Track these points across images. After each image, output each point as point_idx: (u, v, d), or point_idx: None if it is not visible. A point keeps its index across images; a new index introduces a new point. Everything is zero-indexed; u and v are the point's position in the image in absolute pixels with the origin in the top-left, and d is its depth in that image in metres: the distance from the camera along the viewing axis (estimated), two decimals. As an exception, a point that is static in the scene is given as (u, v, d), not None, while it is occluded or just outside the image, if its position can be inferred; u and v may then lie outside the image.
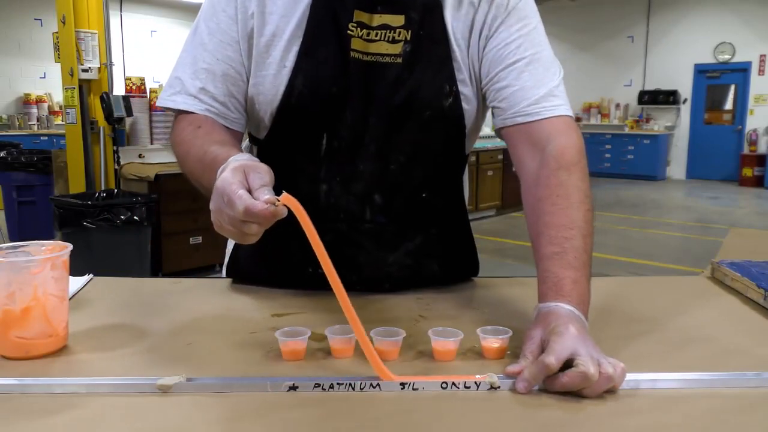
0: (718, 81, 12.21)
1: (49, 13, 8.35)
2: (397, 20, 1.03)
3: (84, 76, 4.58)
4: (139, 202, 4.05)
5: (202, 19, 1.06)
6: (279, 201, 0.73)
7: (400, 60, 1.03)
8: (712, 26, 11.93)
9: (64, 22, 4.51)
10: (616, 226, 7.38)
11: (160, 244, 4.53)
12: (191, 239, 4.80)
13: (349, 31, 1.02)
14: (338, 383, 0.75)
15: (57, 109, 10.21)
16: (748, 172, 11.56)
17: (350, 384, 0.75)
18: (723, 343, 0.93)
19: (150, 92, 5.10)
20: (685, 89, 12.49)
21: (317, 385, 0.75)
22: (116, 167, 4.72)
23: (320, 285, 1.12)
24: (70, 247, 0.86)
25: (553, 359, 0.74)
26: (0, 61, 10.07)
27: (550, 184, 0.95)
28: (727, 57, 11.94)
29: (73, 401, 0.71)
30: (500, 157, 7.76)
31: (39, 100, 10.31)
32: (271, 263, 1.15)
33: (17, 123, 9.93)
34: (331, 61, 1.02)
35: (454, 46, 1.05)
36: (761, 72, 11.66)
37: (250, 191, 0.75)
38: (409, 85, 1.04)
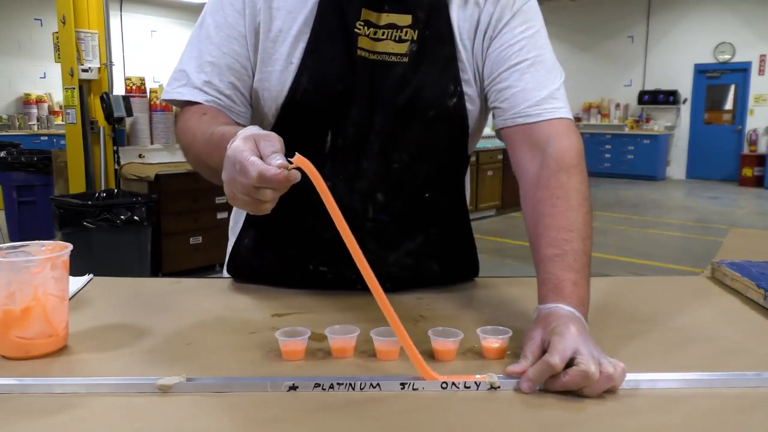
0: (718, 81, 12.21)
1: (49, 13, 8.36)
2: (404, 20, 1.03)
3: (84, 76, 4.58)
4: (139, 202, 4.05)
5: (208, 12, 1.06)
6: (292, 164, 0.73)
7: (406, 59, 1.04)
8: (712, 26, 11.94)
9: (64, 22, 4.51)
10: (616, 226, 7.38)
11: (160, 244, 4.53)
12: (191, 239, 4.81)
13: (356, 30, 1.02)
14: (338, 383, 0.75)
15: (57, 109, 10.21)
16: (748, 172, 11.56)
17: (350, 384, 0.75)
18: (723, 343, 0.93)
19: (150, 92, 5.10)
20: (685, 89, 12.49)
21: (317, 385, 0.75)
22: (116, 167, 4.72)
23: (321, 284, 1.13)
24: (70, 247, 0.86)
25: (557, 359, 0.74)
26: (0, 61, 10.07)
27: (550, 185, 0.95)
28: (727, 57, 11.94)
29: (73, 401, 0.71)
30: (500, 157, 7.76)
31: (39, 100, 10.32)
32: (272, 260, 1.15)
33: (17, 123, 9.93)
34: (337, 59, 1.02)
35: (460, 46, 1.06)
36: (761, 72, 11.66)
37: (262, 159, 0.74)
38: (414, 84, 1.04)
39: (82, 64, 4.56)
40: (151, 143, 5.06)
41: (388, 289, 1.13)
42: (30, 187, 5.11)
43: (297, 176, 0.73)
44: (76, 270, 1.00)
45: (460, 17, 1.05)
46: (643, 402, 0.74)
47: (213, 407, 0.71)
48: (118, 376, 0.76)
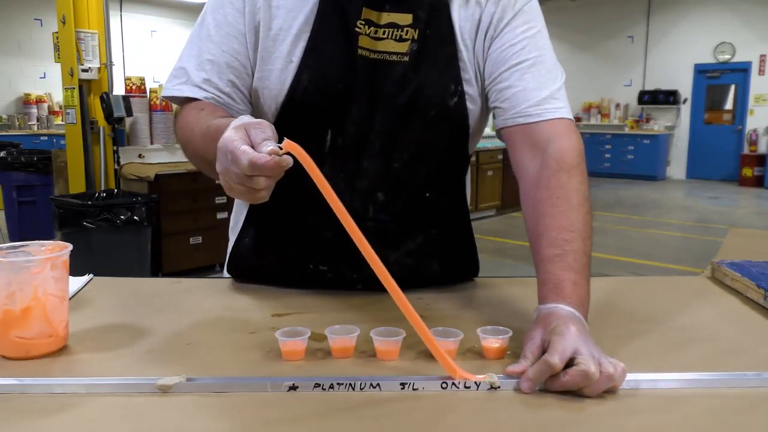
0: (718, 81, 12.21)
1: (49, 13, 8.36)
2: (405, 19, 1.03)
3: (84, 76, 4.58)
4: (139, 202, 4.05)
5: (209, 10, 1.06)
6: (282, 150, 0.72)
7: (406, 59, 1.04)
8: (712, 26, 11.94)
9: (64, 22, 4.51)
10: (616, 226, 7.38)
11: (160, 244, 4.53)
12: (191, 239, 4.81)
13: (356, 29, 1.02)
14: (338, 383, 0.75)
15: (57, 109, 10.21)
16: (748, 172, 11.56)
17: (350, 384, 0.75)
18: (723, 343, 0.93)
19: (150, 92, 5.10)
20: (685, 89, 12.49)
21: (317, 385, 0.75)
22: (116, 167, 4.72)
23: (321, 283, 1.13)
24: (70, 247, 0.86)
25: (557, 358, 0.74)
26: (0, 61, 10.07)
27: (551, 185, 0.95)
28: (727, 57, 11.94)
29: (73, 401, 0.71)
30: (500, 157, 7.76)
31: (39, 100, 10.32)
32: (272, 260, 1.15)
33: (17, 123, 9.93)
34: (337, 58, 1.02)
35: (461, 46, 1.06)
36: (761, 72, 11.66)
37: (254, 147, 0.74)
38: (414, 84, 1.04)
39: (82, 64, 4.56)
40: (151, 143, 5.06)
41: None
42: (30, 187, 5.11)
43: (288, 161, 0.73)
44: (76, 270, 1.00)
45: (461, 17, 1.06)
46: (643, 402, 0.74)
47: (213, 407, 0.71)
48: (117, 376, 0.76)
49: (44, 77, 10.33)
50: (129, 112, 4.74)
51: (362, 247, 0.75)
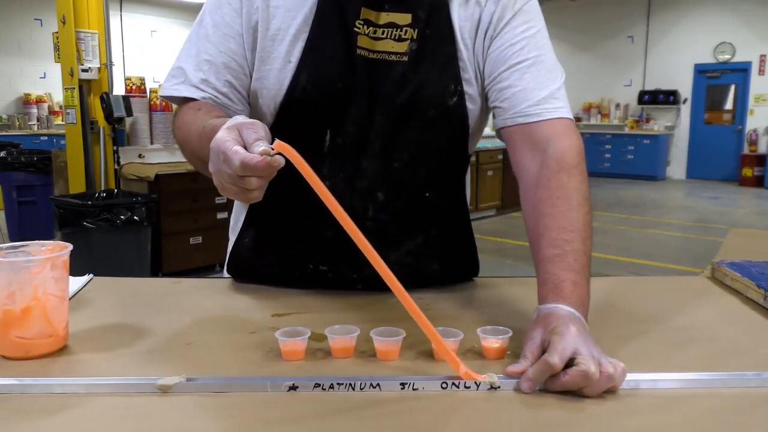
0: (718, 81, 12.21)
1: (49, 13, 8.36)
2: (404, 19, 1.03)
3: (84, 76, 4.58)
4: (139, 202, 4.05)
5: (207, 11, 1.07)
6: (273, 150, 0.72)
7: (406, 58, 1.04)
8: (712, 26, 11.93)
9: (64, 22, 4.51)
10: (616, 226, 7.38)
11: (160, 244, 4.53)
12: (191, 239, 4.81)
13: (355, 29, 1.02)
14: (338, 383, 0.75)
15: (57, 109, 10.21)
16: (748, 172, 11.56)
17: (350, 384, 0.75)
18: (723, 343, 0.93)
19: (150, 92, 5.10)
20: (685, 89, 12.49)
21: (317, 385, 0.75)
22: (116, 167, 4.72)
23: (321, 283, 1.13)
24: (70, 247, 0.86)
25: (556, 358, 0.74)
26: (0, 61, 10.07)
27: (551, 185, 0.95)
28: (727, 57, 11.94)
29: (73, 401, 0.71)
30: (500, 157, 7.76)
31: (39, 100, 10.31)
32: (272, 260, 1.15)
33: (17, 123, 9.93)
34: (336, 58, 1.02)
35: (461, 45, 1.06)
36: (761, 72, 11.65)
37: (246, 147, 0.74)
38: (414, 83, 1.04)
39: (82, 64, 4.56)
40: (151, 143, 5.06)
41: (388, 288, 1.13)
42: (30, 187, 5.11)
43: (280, 161, 0.73)
44: (76, 270, 1.00)
45: (461, 16, 1.05)
46: (643, 402, 0.74)
47: (213, 407, 0.71)
48: (117, 376, 0.76)
49: (44, 77, 10.33)
50: (129, 112, 4.75)
51: (359, 243, 0.75)
